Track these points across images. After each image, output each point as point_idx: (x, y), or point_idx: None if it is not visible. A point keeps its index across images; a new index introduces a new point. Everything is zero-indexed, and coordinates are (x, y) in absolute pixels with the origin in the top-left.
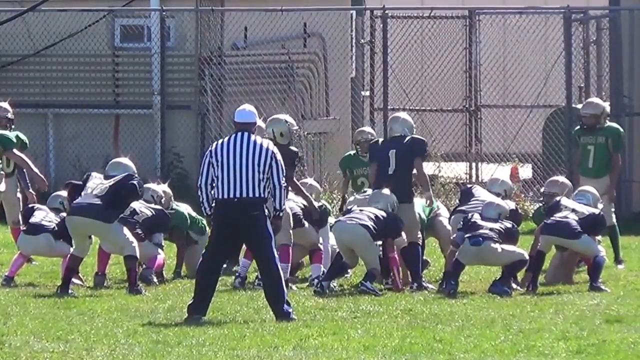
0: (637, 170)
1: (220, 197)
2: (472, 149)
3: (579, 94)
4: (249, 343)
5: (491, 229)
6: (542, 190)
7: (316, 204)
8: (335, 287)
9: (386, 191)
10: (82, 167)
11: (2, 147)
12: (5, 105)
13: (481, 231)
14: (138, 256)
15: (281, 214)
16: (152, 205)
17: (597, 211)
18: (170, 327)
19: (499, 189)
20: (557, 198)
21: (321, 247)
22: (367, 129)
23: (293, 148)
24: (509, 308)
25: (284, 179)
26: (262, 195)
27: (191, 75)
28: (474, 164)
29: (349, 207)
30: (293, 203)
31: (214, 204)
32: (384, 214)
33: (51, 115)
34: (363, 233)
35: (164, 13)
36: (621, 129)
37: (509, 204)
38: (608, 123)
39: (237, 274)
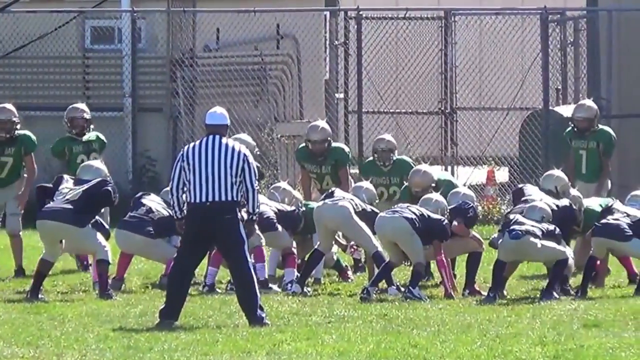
0: (615, 172)
1: (192, 201)
2: (447, 152)
3: (557, 96)
4: (221, 348)
5: (532, 226)
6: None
7: (289, 208)
8: (309, 291)
9: (437, 196)
10: (53, 171)
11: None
12: (82, 106)
13: (520, 227)
14: (110, 260)
15: (254, 218)
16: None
17: None
18: (141, 332)
19: (551, 185)
20: (610, 203)
21: (294, 251)
22: (387, 136)
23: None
24: (485, 313)
25: (256, 182)
26: (235, 199)
27: (163, 78)
28: (449, 167)
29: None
30: (266, 207)
31: (185, 208)
32: (433, 215)
33: (21, 118)
34: (404, 225)
35: (135, 14)
36: (613, 134)
37: (562, 202)
38: (600, 126)
39: (204, 284)
